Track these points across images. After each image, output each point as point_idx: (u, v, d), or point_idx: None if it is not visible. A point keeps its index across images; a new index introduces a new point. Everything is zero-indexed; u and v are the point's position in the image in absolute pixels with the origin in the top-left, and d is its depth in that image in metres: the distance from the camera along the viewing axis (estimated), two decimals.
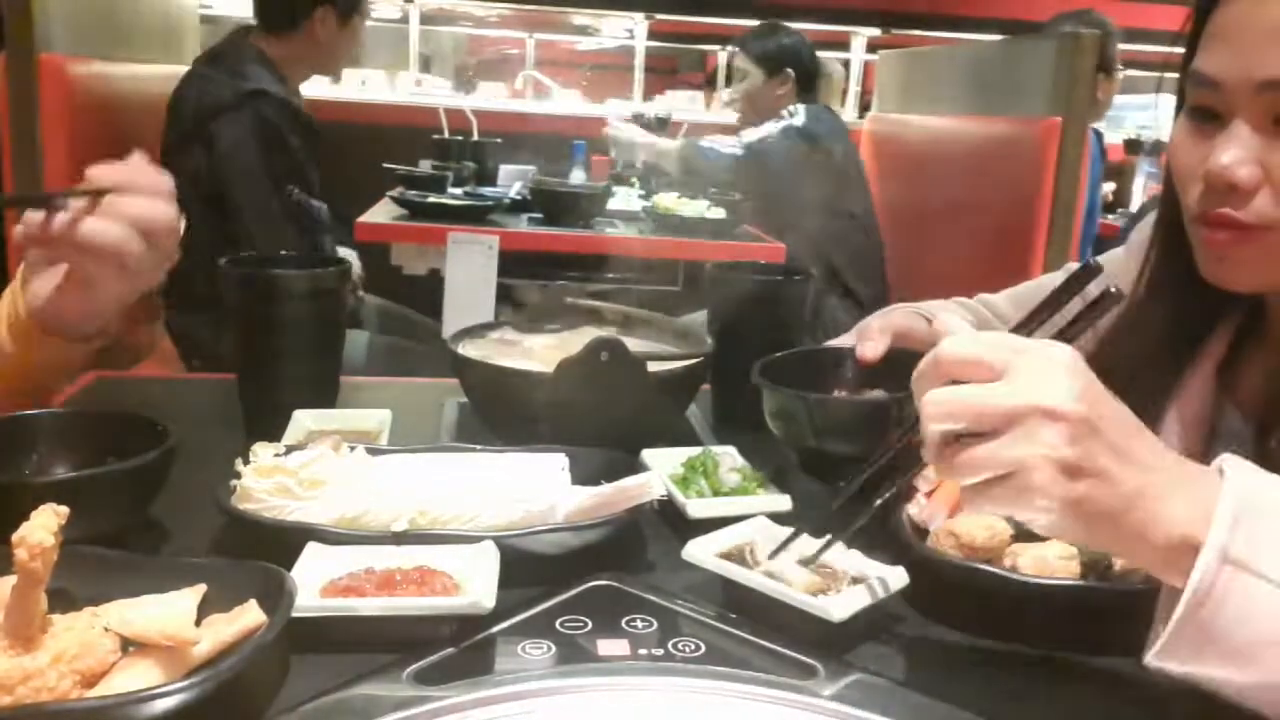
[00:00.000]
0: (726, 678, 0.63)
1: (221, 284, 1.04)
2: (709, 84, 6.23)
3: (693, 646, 0.68)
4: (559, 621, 0.70)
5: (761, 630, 0.69)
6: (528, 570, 0.74)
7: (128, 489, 0.79)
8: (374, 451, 0.87)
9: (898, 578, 0.74)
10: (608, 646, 0.67)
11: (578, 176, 3.38)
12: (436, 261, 2.54)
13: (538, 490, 0.81)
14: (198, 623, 0.61)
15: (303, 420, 1.00)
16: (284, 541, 0.72)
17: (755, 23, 3.50)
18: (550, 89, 4.89)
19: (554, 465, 0.86)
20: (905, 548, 0.78)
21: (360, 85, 4.71)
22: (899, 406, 0.89)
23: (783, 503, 0.88)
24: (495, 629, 0.68)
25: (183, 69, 2.49)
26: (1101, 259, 1.18)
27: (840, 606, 0.68)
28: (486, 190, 3.09)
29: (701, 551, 0.75)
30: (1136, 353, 1.01)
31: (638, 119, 3.63)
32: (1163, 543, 0.59)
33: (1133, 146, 4.04)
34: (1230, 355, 0.98)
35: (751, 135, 3.10)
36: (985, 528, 0.76)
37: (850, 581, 0.73)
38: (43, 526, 0.56)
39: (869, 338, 1.00)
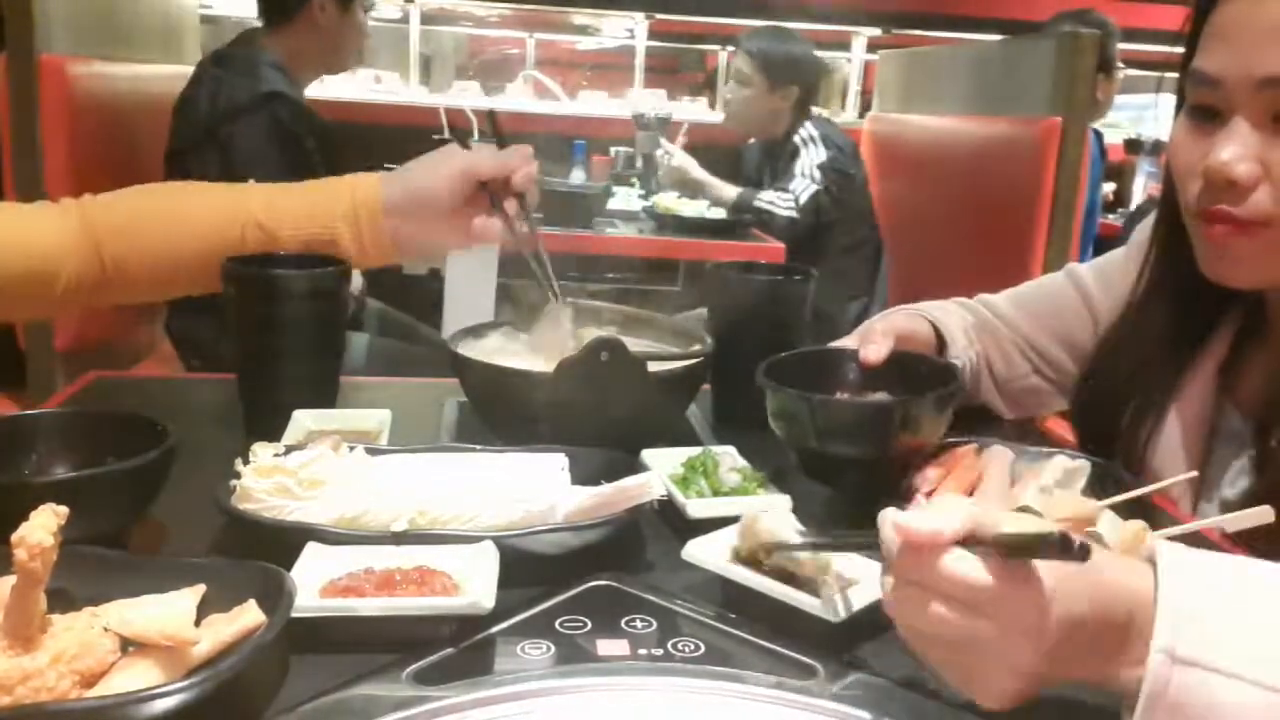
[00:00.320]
0: (726, 678, 0.63)
1: (222, 284, 1.04)
2: (709, 84, 6.23)
3: (692, 646, 0.68)
4: (559, 621, 0.70)
5: (761, 630, 0.69)
6: (527, 570, 0.74)
7: (128, 489, 0.79)
8: (374, 451, 0.87)
9: None
10: (607, 646, 0.67)
11: (578, 176, 3.38)
12: (436, 261, 2.54)
13: (537, 490, 0.81)
14: (197, 623, 0.61)
15: (303, 420, 1.00)
16: (284, 541, 0.72)
17: (756, 23, 3.48)
18: (553, 90, 4.89)
19: (554, 465, 0.86)
20: None
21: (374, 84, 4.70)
22: (903, 409, 0.89)
23: (783, 503, 0.87)
24: (495, 629, 0.68)
25: (183, 69, 2.49)
26: (1101, 260, 1.18)
27: (840, 606, 0.68)
28: None
29: (701, 551, 0.76)
30: (1137, 352, 1.01)
31: (638, 119, 3.62)
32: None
33: (1133, 146, 4.04)
34: (1231, 356, 0.98)
35: (799, 188, 3.07)
36: None
37: (850, 582, 0.73)
38: (42, 526, 0.56)
39: (872, 340, 1.00)
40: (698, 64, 7.41)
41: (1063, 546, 0.53)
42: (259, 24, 2.53)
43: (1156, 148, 3.76)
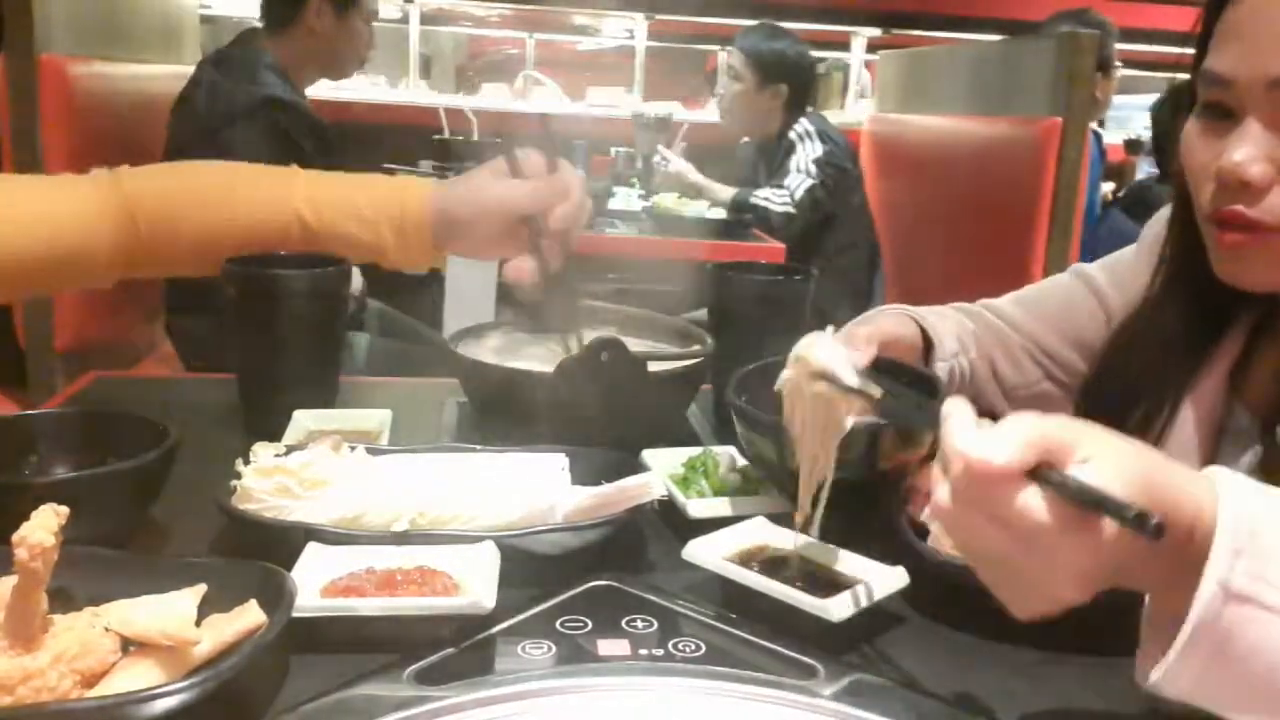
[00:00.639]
0: (726, 678, 0.63)
1: (222, 284, 1.04)
2: (709, 85, 6.23)
3: (693, 646, 0.68)
4: (559, 622, 0.70)
5: (761, 630, 0.69)
6: (528, 570, 0.74)
7: (128, 489, 0.79)
8: (374, 451, 0.87)
9: (898, 578, 0.74)
10: (608, 647, 0.67)
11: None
12: (437, 261, 2.53)
13: (538, 490, 0.81)
14: (198, 623, 0.61)
15: (303, 420, 1.00)
16: (284, 541, 0.73)
17: (756, 23, 3.49)
18: (553, 90, 4.89)
19: (554, 465, 0.86)
20: (905, 548, 0.78)
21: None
22: (873, 433, 0.83)
23: (783, 503, 0.87)
24: (495, 629, 0.68)
25: (183, 69, 2.49)
26: (1110, 259, 1.17)
27: (840, 606, 0.68)
28: None
29: (702, 551, 0.76)
30: (1151, 351, 1.01)
31: (638, 119, 3.62)
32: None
33: (1133, 146, 4.04)
34: (1243, 354, 0.98)
35: (795, 184, 3.07)
36: None
37: (850, 581, 0.73)
38: (43, 526, 0.56)
39: (855, 347, 0.96)
40: (698, 64, 7.41)
41: (1138, 523, 0.51)
42: (259, 24, 2.53)
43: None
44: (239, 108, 2.27)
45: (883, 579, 0.73)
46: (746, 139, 3.47)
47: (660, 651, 0.67)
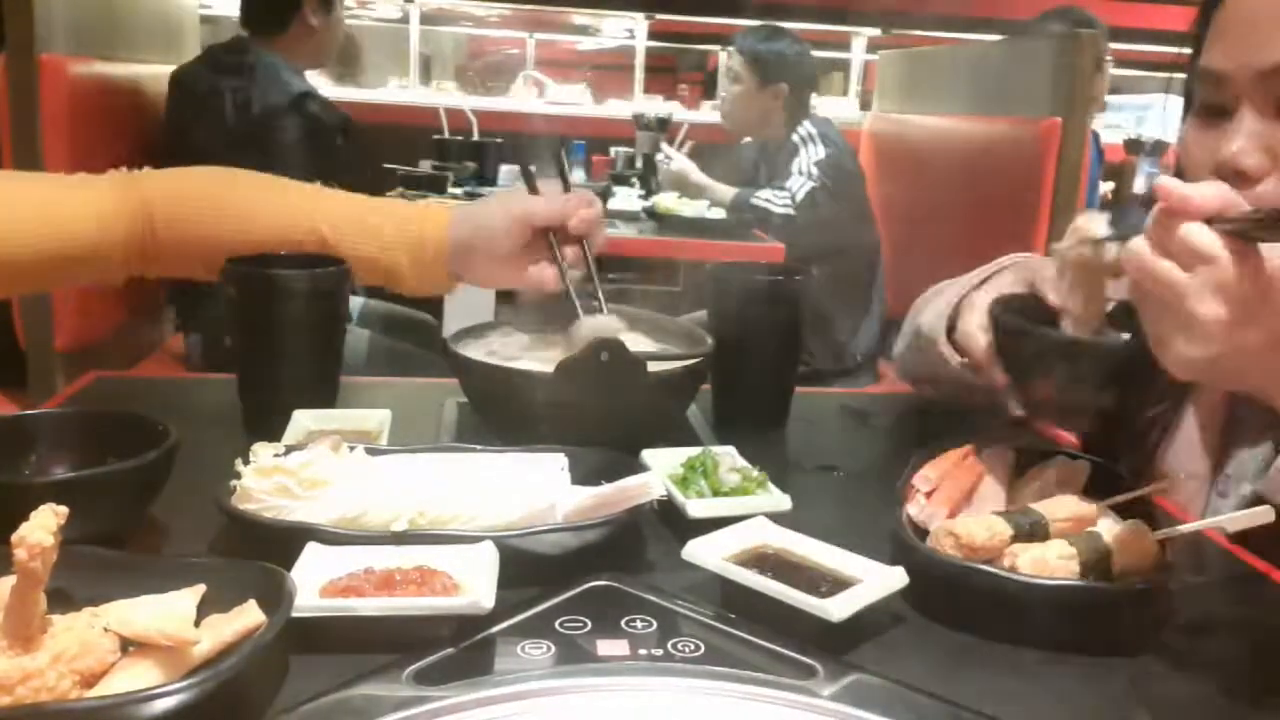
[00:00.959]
0: (726, 678, 0.63)
1: (222, 284, 1.04)
2: (708, 84, 6.23)
3: (692, 646, 0.68)
4: (559, 622, 0.70)
5: (761, 630, 0.69)
6: (527, 570, 0.74)
7: (128, 489, 0.79)
8: (374, 451, 0.87)
9: (898, 578, 0.73)
10: (607, 647, 0.67)
11: (578, 176, 3.39)
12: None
13: (537, 490, 0.81)
14: (197, 623, 0.61)
15: (303, 420, 1.00)
16: (284, 541, 0.72)
17: (756, 23, 3.49)
18: (552, 90, 4.89)
19: (554, 465, 0.86)
20: (905, 548, 0.78)
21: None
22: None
23: (783, 503, 0.87)
24: (495, 629, 0.68)
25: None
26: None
27: (840, 606, 0.68)
28: (487, 190, 3.09)
29: (701, 551, 0.76)
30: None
31: (638, 119, 3.62)
32: None
33: (1133, 146, 4.04)
34: None
35: (796, 186, 3.06)
36: (985, 528, 0.76)
37: (851, 581, 0.73)
38: (42, 526, 0.56)
39: (973, 340, 0.98)
40: (698, 64, 7.41)
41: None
42: (244, 30, 2.53)
43: (1157, 148, 3.76)
44: (274, 108, 2.28)
45: (883, 579, 0.73)
46: (748, 139, 3.47)
47: (660, 651, 0.67)
